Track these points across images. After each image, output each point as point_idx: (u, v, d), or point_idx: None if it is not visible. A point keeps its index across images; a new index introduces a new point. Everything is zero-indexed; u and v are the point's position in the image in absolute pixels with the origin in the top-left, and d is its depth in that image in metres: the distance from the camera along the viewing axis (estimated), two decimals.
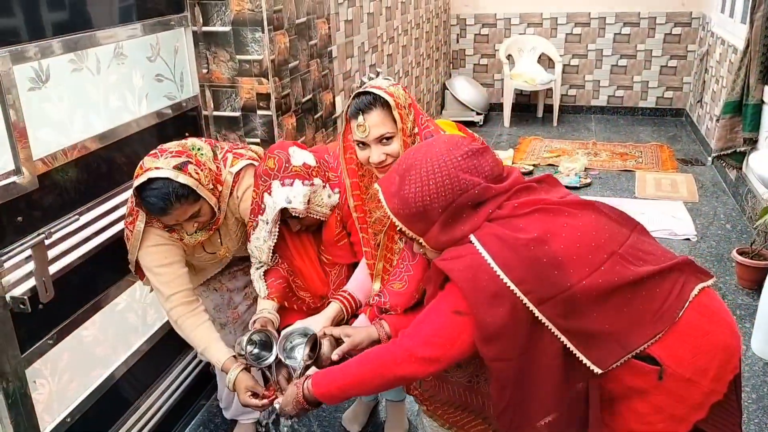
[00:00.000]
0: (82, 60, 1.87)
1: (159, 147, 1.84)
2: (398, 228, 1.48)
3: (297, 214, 1.90)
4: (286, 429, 1.80)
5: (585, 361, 1.37)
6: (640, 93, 6.54)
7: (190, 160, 1.80)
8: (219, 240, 2.07)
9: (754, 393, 2.59)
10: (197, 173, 1.80)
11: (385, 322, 1.71)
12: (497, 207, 1.42)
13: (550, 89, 6.34)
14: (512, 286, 1.32)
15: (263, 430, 2.42)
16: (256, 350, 1.85)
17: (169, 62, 2.28)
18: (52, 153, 1.77)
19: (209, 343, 1.95)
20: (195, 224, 1.87)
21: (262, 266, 2.02)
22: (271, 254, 1.98)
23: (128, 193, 2.08)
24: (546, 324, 1.34)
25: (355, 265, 2.01)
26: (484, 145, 1.50)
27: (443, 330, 1.40)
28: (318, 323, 1.80)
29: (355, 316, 1.88)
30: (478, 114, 6.40)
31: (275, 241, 1.96)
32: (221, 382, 2.40)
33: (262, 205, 1.89)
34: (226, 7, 2.37)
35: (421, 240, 1.47)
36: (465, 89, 6.38)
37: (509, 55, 6.45)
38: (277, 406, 1.67)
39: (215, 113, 2.50)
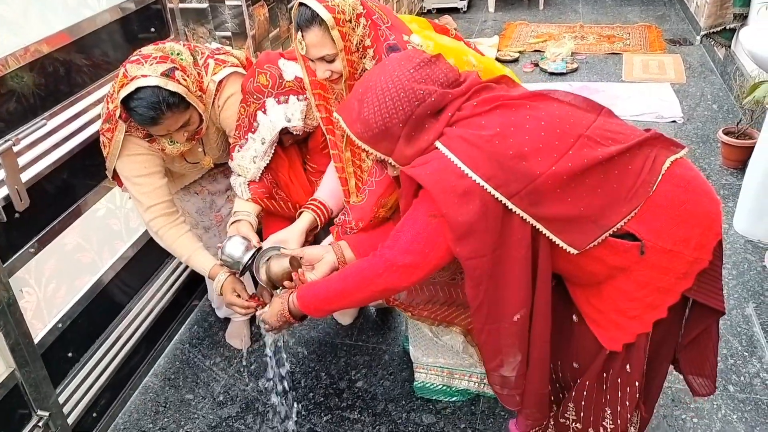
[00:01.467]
0: None
1: (138, 52, 1.73)
2: (367, 151, 1.48)
3: (294, 131, 1.85)
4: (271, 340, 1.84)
5: (561, 244, 1.38)
6: None
7: (176, 66, 1.71)
8: (202, 150, 2.01)
9: (735, 269, 2.65)
10: (185, 80, 1.72)
11: (346, 245, 1.69)
12: (457, 110, 1.42)
13: None
14: (481, 182, 1.32)
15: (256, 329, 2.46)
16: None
17: None
18: (5, 56, 1.67)
19: (192, 252, 1.94)
20: (185, 133, 1.80)
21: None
22: (258, 173, 1.93)
23: (97, 95, 2.00)
24: (519, 214, 1.34)
25: None
26: (436, 54, 1.48)
27: (421, 235, 1.40)
28: (294, 235, 1.79)
29: (330, 223, 1.86)
30: (461, 0, 6.14)
31: (268, 161, 1.91)
32: (211, 283, 2.41)
33: (255, 123, 1.83)
34: None
35: (391, 159, 1.46)
36: None
37: None
38: (258, 316, 1.70)
39: (181, 5, 2.36)
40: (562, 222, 1.37)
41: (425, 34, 1.73)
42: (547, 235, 1.38)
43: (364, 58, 1.62)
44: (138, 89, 1.64)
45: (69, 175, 1.93)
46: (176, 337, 2.55)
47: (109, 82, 2.06)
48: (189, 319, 2.63)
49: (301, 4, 1.56)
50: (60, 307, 1.94)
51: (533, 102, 1.45)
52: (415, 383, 2.20)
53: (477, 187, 1.33)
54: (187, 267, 2.55)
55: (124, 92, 1.66)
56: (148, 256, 2.34)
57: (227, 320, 2.58)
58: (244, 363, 2.41)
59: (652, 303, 1.45)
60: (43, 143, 1.81)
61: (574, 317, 1.59)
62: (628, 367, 1.53)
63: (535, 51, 5.07)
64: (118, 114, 1.74)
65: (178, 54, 1.77)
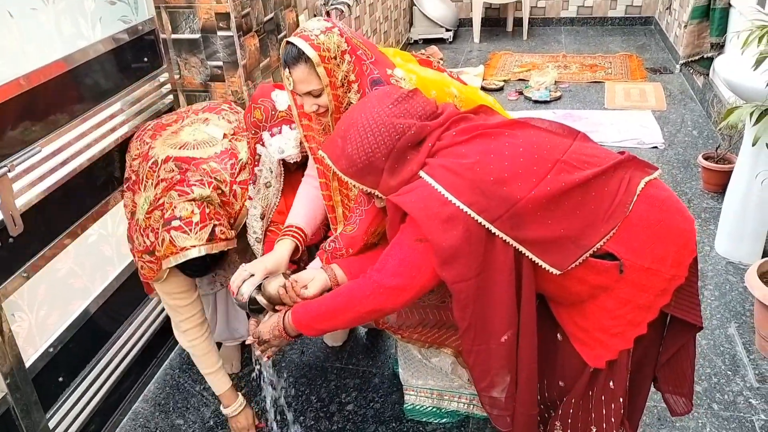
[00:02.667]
0: None
1: (173, 214, 1.83)
2: (354, 186, 1.54)
3: (292, 161, 1.92)
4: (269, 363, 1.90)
5: (543, 265, 1.42)
6: (609, 2, 6.43)
7: (215, 222, 1.86)
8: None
9: (717, 291, 2.71)
10: (224, 234, 1.87)
11: (337, 266, 1.72)
12: (437, 139, 1.47)
13: (519, 2, 6.21)
14: (464, 208, 1.37)
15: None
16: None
17: None
18: (4, 84, 1.71)
19: (215, 369, 2.12)
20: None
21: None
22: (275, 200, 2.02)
23: (90, 123, 2.05)
24: (501, 238, 1.39)
25: None
26: (413, 89, 1.55)
27: (408, 259, 1.45)
28: (281, 263, 1.81)
29: (307, 248, 1.91)
30: (447, 30, 6.27)
31: (277, 202, 2.01)
32: (204, 309, 2.42)
33: (257, 156, 1.95)
34: None
35: (377, 192, 1.52)
36: (433, 5, 6.22)
37: None
38: (251, 330, 1.72)
39: (173, 36, 2.41)
40: (544, 244, 1.42)
41: (408, 67, 1.78)
42: (529, 257, 1.42)
43: (350, 92, 1.68)
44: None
45: (62, 201, 1.96)
46: (166, 362, 2.55)
47: (102, 110, 2.10)
48: (179, 345, 2.63)
49: (288, 42, 1.63)
50: (51, 331, 1.95)
51: (511, 130, 1.51)
52: (405, 405, 2.21)
53: (460, 213, 1.38)
54: None
55: (174, 261, 1.81)
56: (139, 282, 2.36)
57: (219, 344, 2.58)
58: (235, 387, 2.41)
59: (633, 320, 1.49)
60: (38, 170, 1.84)
61: (558, 336, 1.62)
62: (611, 383, 1.56)
63: (520, 80, 5.18)
64: (165, 267, 1.87)
65: (208, 199, 1.89)
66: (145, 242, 1.92)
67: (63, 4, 1.92)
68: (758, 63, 2.12)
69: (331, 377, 2.43)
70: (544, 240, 1.41)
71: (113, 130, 2.16)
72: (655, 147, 3.96)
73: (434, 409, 2.18)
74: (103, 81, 2.12)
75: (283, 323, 1.62)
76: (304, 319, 1.59)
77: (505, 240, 1.39)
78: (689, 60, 4.26)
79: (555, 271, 1.43)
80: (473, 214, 1.37)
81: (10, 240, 1.74)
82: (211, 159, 2.00)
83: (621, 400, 1.57)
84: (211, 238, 1.83)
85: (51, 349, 1.94)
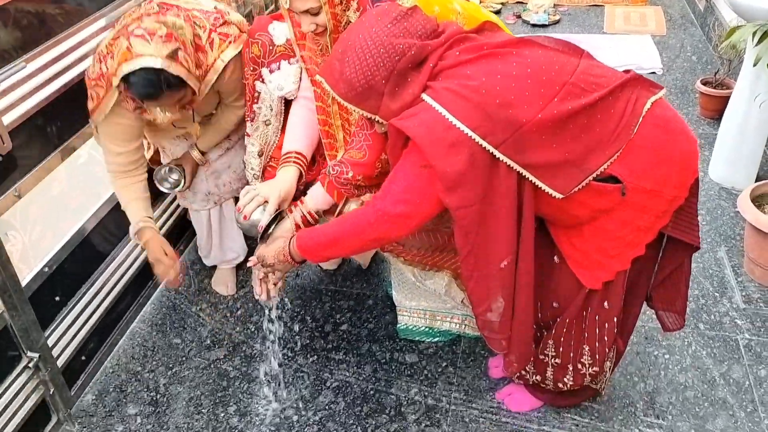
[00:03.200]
0: None
1: (140, 24, 1.70)
2: (354, 110, 1.49)
3: (292, 97, 1.88)
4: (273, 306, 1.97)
5: (546, 189, 1.41)
6: None
7: (179, 46, 1.72)
8: (192, 116, 2.03)
9: (709, 215, 2.73)
10: (187, 61, 1.74)
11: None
12: (439, 59, 1.42)
13: None
14: (469, 133, 1.34)
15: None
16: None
17: None
18: None
19: (130, 201, 1.99)
20: (178, 106, 1.83)
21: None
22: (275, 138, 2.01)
23: (77, 38, 1.98)
24: (506, 163, 1.37)
25: None
26: (412, 7, 1.47)
27: (412, 186, 1.43)
28: (290, 191, 1.81)
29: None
30: None
31: (276, 140, 1.99)
32: (199, 230, 2.45)
33: (256, 93, 1.90)
34: None
35: (378, 117, 1.47)
36: None
37: None
38: (257, 252, 1.72)
39: None
40: (547, 168, 1.40)
41: None
42: (532, 181, 1.40)
43: (348, 10, 1.62)
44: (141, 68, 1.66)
45: (51, 119, 1.92)
46: (162, 283, 2.57)
47: (87, 26, 2.03)
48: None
49: None
50: (46, 251, 1.95)
51: (518, 48, 1.45)
52: (398, 326, 2.26)
53: (465, 138, 1.34)
54: (173, 214, 2.58)
55: (126, 67, 1.66)
56: None
57: (213, 268, 2.61)
58: (230, 308, 2.45)
59: (632, 241, 1.50)
60: (24, 86, 1.79)
61: (555, 258, 1.63)
62: (606, 304, 1.59)
63: (518, 2, 5.04)
64: (115, 83, 1.74)
65: (180, 29, 1.76)
66: (100, 69, 1.80)
67: None
68: None
69: (326, 299, 2.46)
70: (547, 164, 1.39)
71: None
72: (653, 72, 3.90)
73: (427, 329, 2.23)
74: None
75: (289, 249, 1.63)
76: (309, 245, 1.60)
77: (509, 165, 1.37)
78: None
79: (558, 195, 1.41)
80: (478, 139, 1.34)
81: None
82: (195, 10, 1.91)
83: (615, 319, 1.60)
84: (172, 56, 1.69)
85: (46, 269, 1.94)
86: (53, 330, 1.99)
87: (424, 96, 1.40)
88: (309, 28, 1.64)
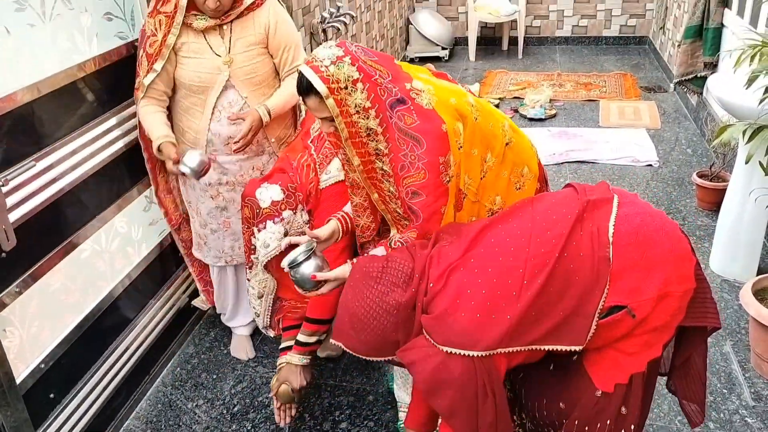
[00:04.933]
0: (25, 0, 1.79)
1: None
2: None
3: (278, 252, 2.04)
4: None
5: (564, 348, 1.46)
6: (603, 21, 6.50)
7: None
8: (228, 44, 2.14)
9: None
10: None
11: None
12: (423, 295, 1.53)
13: (515, 21, 6.27)
14: (466, 353, 1.43)
15: None
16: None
17: (119, 0, 2.19)
18: (1, 98, 1.72)
19: (153, 124, 2.15)
20: (217, 2, 2.02)
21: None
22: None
23: (86, 138, 2.06)
24: (506, 356, 1.46)
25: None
26: (385, 257, 1.62)
27: None
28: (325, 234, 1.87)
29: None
30: (443, 49, 6.32)
31: (274, 287, 2.21)
32: (215, 282, 2.58)
33: (252, 246, 2.12)
34: None
35: (397, 358, 1.57)
36: (429, 23, 6.28)
37: None
38: None
39: None
40: (553, 333, 1.45)
41: (425, 78, 1.79)
42: (548, 349, 1.47)
43: (368, 118, 1.66)
44: None
45: (56, 216, 1.96)
46: (158, 379, 2.53)
47: (97, 126, 2.11)
48: (171, 362, 2.62)
49: (299, 71, 1.65)
50: (43, 347, 1.93)
51: (474, 249, 1.54)
52: (398, 423, 2.20)
53: (469, 365, 1.44)
54: (170, 309, 2.58)
55: None
56: (131, 298, 2.35)
57: (210, 362, 2.58)
58: (227, 405, 2.40)
59: (648, 340, 1.49)
60: (32, 184, 1.83)
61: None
62: (623, 409, 1.53)
63: (515, 98, 5.22)
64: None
65: None
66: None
67: (60, 20, 1.93)
68: (750, 82, 2.14)
69: (325, 395, 2.41)
70: (550, 330, 1.45)
71: (108, 145, 2.17)
72: (650, 165, 3.98)
73: None
74: (98, 96, 2.13)
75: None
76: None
77: (509, 352, 1.45)
78: (683, 79, 4.29)
79: (577, 348, 1.46)
80: (474, 353, 1.43)
81: (3, 255, 1.73)
82: None
83: (632, 427, 1.54)
84: None
85: (42, 366, 1.92)
86: (46, 429, 1.94)
87: (424, 322, 1.51)
88: (328, 130, 1.73)
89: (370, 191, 1.76)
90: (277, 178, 2.07)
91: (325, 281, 1.73)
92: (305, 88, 1.63)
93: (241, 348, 2.64)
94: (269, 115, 2.18)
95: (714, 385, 2.31)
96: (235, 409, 2.37)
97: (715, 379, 2.34)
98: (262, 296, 2.21)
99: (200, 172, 2.08)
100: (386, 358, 1.60)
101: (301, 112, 2.47)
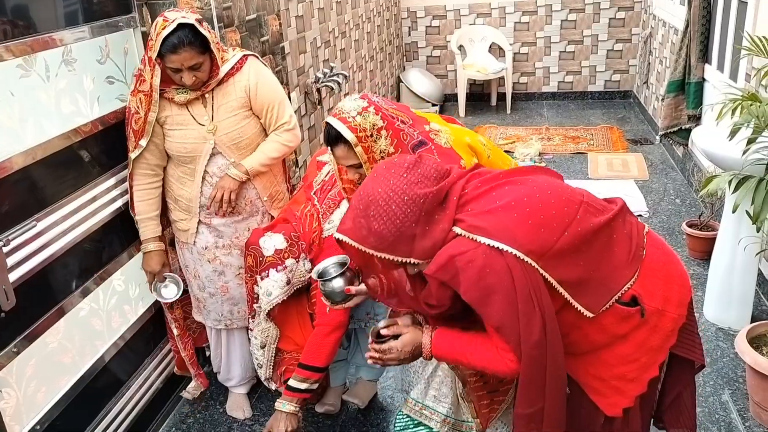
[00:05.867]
0: (30, 65, 1.85)
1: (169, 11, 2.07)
2: (385, 260, 1.48)
3: (280, 300, 2.08)
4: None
5: (578, 307, 1.43)
6: (588, 77, 6.69)
7: (203, 20, 2.07)
8: (211, 113, 2.18)
9: (708, 357, 2.71)
10: (209, 32, 2.06)
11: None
12: (462, 191, 1.47)
13: (503, 78, 6.44)
14: (512, 250, 1.36)
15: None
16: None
17: (120, 64, 2.26)
18: (4, 160, 1.75)
19: (146, 216, 2.26)
20: (193, 77, 2.06)
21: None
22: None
23: (84, 198, 2.08)
24: (549, 281, 1.40)
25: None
26: (418, 156, 1.55)
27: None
28: None
29: None
30: (433, 105, 6.46)
31: (277, 335, 2.23)
32: (211, 341, 2.59)
33: (255, 294, 2.13)
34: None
35: (411, 260, 1.47)
36: (419, 81, 6.44)
37: (461, 46, 6.53)
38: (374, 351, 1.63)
39: None
40: (578, 285, 1.43)
41: (440, 120, 1.92)
42: (565, 298, 1.42)
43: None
44: (177, 26, 1.97)
45: (55, 275, 1.97)
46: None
47: (97, 186, 2.14)
48: (167, 422, 2.58)
49: (327, 122, 1.77)
50: (39, 408, 1.91)
51: (532, 175, 1.53)
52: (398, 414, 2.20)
53: (505, 263, 1.36)
54: (164, 370, 2.57)
55: (167, 28, 1.96)
56: (126, 358, 2.34)
57: (206, 422, 2.55)
58: None
59: (646, 362, 1.52)
60: (32, 244, 1.85)
61: (567, 389, 1.60)
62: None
63: (505, 151, 5.28)
64: (155, 56, 2.01)
65: (204, 20, 2.09)
66: (136, 83, 2.12)
67: (63, 83, 1.99)
68: (733, 134, 2.21)
69: None
70: (578, 281, 1.42)
71: (107, 204, 2.20)
72: (640, 215, 4.04)
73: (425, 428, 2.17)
74: (98, 157, 2.17)
75: (425, 346, 1.57)
76: (444, 349, 1.55)
77: (547, 279, 1.39)
78: (668, 131, 4.40)
79: (588, 314, 1.43)
80: (522, 255, 1.36)
81: (2, 315, 1.73)
82: None
83: None
84: (200, 22, 2.04)
85: (38, 427, 1.89)
86: None
87: (457, 229, 1.43)
88: (354, 177, 1.83)
89: None
90: (280, 227, 2.10)
91: (355, 295, 1.76)
92: (334, 137, 1.75)
93: (238, 407, 2.61)
94: (247, 174, 2.21)
95: None
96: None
97: (715, 428, 2.32)
98: (265, 346, 2.20)
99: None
100: (396, 257, 1.45)
101: (295, 167, 2.53)
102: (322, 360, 2.06)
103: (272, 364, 2.24)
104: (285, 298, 2.08)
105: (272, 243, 2.06)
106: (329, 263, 1.85)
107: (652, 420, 1.77)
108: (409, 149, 1.77)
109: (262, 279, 2.07)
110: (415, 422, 2.22)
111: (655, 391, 1.65)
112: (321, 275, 1.83)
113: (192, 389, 2.63)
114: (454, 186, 1.48)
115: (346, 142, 1.73)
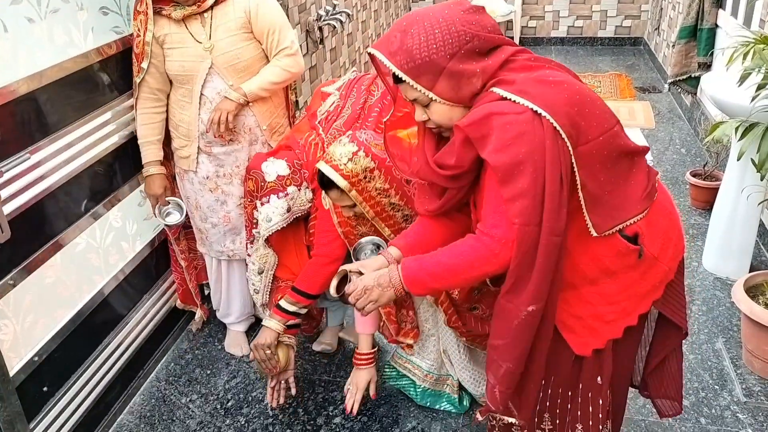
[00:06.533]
0: None
1: None
2: (407, 83, 1.38)
3: (278, 227, 2.06)
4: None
5: (587, 220, 1.38)
6: (599, 22, 6.52)
7: None
8: (209, 31, 2.15)
9: (705, 306, 2.72)
10: None
11: (396, 249, 1.65)
12: (511, 55, 1.38)
13: (511, 21, 6.29)
14: (547, 117, 1.29)
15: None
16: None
17: None
18: None
19: (147, 139, 2.25)
20: None
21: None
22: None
23: (80, 131, 2.05)
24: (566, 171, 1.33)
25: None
26: (480, 6, 1.43)
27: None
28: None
29: None
30: None
31: (275, 262, 2.21)
32: (210, 276, 2.61)
33: (254, 219, 2.12)
34: None
35: (431, 94, 1.38)
36: None
37: None
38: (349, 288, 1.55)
39: None
40: (592, 197, 1.38)
41: None
42: (580, 202, 1.36)
43: (388, 197, 1.85)
44: None
45: (50, 209, 1.96)
46: (152, 374, 2.53)
47: (92, 119, 2.11)
48: (165, 357, 2.62)
49: (319, 170, 1.81)
50: (37, 340, 1.93)
51: (574, 74, 1.48)
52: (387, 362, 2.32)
53: (537, 137, 1.28)
54: (165, 305, 2.59)
55: None
56: (125, 293, 2.35)
57: (204, 358, 2.59)
58: (221, 400, 2.40)
59: (627, 308, 1.50)
60: (27, 177, 1.84)
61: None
62: (599, 378, 1.57)
63: None
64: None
65: None
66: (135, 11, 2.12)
67: (57, 14, 1.93)
68: (743, 79, 2.16)
69: (319, 390, 2.41)
70: (594, 192, 1.37)
71: (103, 139, 2.17)
72: None
73: (409, 382, 2.29)
74: (93, 90, 2.13)
75: (398, 276, 1.46)
76: (417, 276, 1.45)
77: (574, 173, 1.33)
78: (677, 79, 4.31)
79: (593, 233, 1.39)
80: (557, 126, 1.29)
81: None
82: None
83: (609, 393, 1.58)
84: None
85: (36, 359, 1.92)
86: (39, 421, 1.94)
87: (501, 91, 1.34)
88: (349, 213, 1.92)
89: (381, 229, 1.92)
90: (283, 154, 2.07)
91: None
92: (327, 182, 1.82)
93: (236, 344, 2.64)
94: (245, 97, 2.18)
95: (706, 381, 2.32)
96: (229, 404, 2.38)
97: (707, 375, 2.35)
98: (263, 272, 2.19)
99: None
100: (418, 85, 1.37)
101: (296, 109, 2.48)
102: (315, 288, 2.07)
103: (269, 290, 2.23)
104: (284, 225, 2.06)
105: (275, 168, 2.03)
106: (365, 242, 1.91)
107: (639, 389, 1.76)
108: (403, 182, 1.85)
109: (262, 204, 2.05)
110: (400, 374, 2.28)
111: (633, 349, 1.63)
112: (356, 253, 1.90)
113: (198, 319, 2.71)
114: (505, 46, 1.40)
115: (339, 187, 1.80)
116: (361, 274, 1.57)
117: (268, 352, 2.06)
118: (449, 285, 1.51)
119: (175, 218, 2.36)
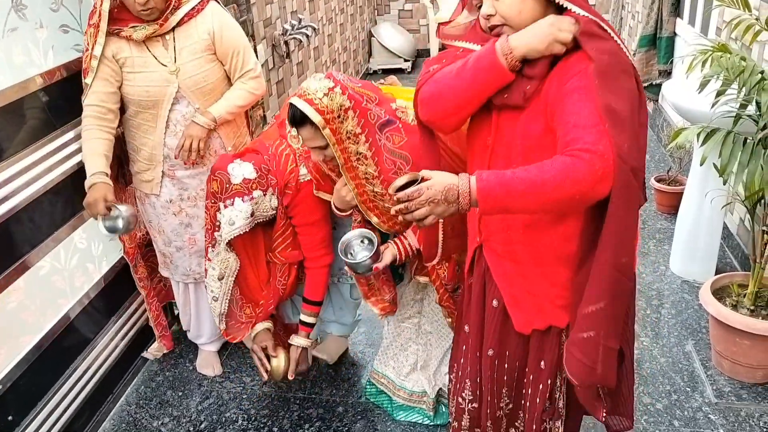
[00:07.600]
0: None
1: None
2: None
3: (243, 231, 2.01)
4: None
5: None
6: None
7: None
8: (173, 55, 2.10)
9: (674, 309, 2.76)
10: None
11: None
12: None
13: None
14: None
15: None
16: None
17: (74, 12, 2.16)
18: None
19: (91, 153, 2.07)
20: (152, 3, 1.98)
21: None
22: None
23: (42, 153, 2.01)
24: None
25: (301, 265, 2.21)
26: None
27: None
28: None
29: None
30: (405, 61, 6.37)
31: (237, 266, 2.15)
32: (178, 300, 2.58)
33: (217, 222, 2.03)
34: None
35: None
36: (391, 36, 6.32)
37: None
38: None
39: None
40: (608, 114, 1.31)
41: (405, 96, 1.90)
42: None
43: (358, 144, 1.76)
44: None
45: (12, 231, 1.90)
46: (122, 398, 2.47)
47: (55, 139, 2.07)
48: (135, 380, 2.56)
49: (291, 103, 1.71)
50: (0, 368, 1.88)
51: None
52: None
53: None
54: (133, 326, 2.53)
55: None
56: (92, 316, 2.30)
57: (175, 379, 2.54)
58: (194, 422, 2.35)
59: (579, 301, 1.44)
60: None
61: (494, 302, 1.59)
62: (542, 364, 1.57)
63: None
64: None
65: None
66: (89, 22, 2.04)
67: (15, 33, 1.89)
68: (702, 86, 2.20)
69: (294, 407, 2.38)
70: (609, 109, 1.26)
71: (64, 160, 2.12)
72: None
73: (386, 398, 2.30)
74: (53, 110, 2.08)
75: (468, 187, 1.27)
76: (494, 189, 1.26)
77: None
78: None
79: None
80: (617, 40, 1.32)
81: None
82: None
83: (548, 381, 1.57)
84: None
85: (0, 387, 1.86)
86: None
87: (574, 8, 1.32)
88: (318, 158, 1.83)
89: (368, 216, 1.89)
90: (250, 156, 2.01)
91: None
92: (299, 119, 1.72)
93: (208, 364, 2.60)
94: (215, 122, 2.16)
95: (677, 383, 2.36)
96: (202, 425, 2.33)
97: (678, 377, 2.38)
98: (223, 278, 2.12)
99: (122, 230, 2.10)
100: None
101: (263, 123, 2.46)
102: (319, 294, 2.21)
103: (227, 298, 2.16)
104: (247, 230, 2.02)
105: (241, 171, 1.98)
106: (353, 236, 1.89)
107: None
108: (376, 129, 1.76)
109: (225, 207, 1.99)
110: (378, 390, 2.28)
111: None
112: (347, 250, 1.89)
113: (154, 350, 2.63)
114: None
115: (312, 123, 1.70)
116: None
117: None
118: (528, 205, 1.28)
119: (116, 227, 2.07)
